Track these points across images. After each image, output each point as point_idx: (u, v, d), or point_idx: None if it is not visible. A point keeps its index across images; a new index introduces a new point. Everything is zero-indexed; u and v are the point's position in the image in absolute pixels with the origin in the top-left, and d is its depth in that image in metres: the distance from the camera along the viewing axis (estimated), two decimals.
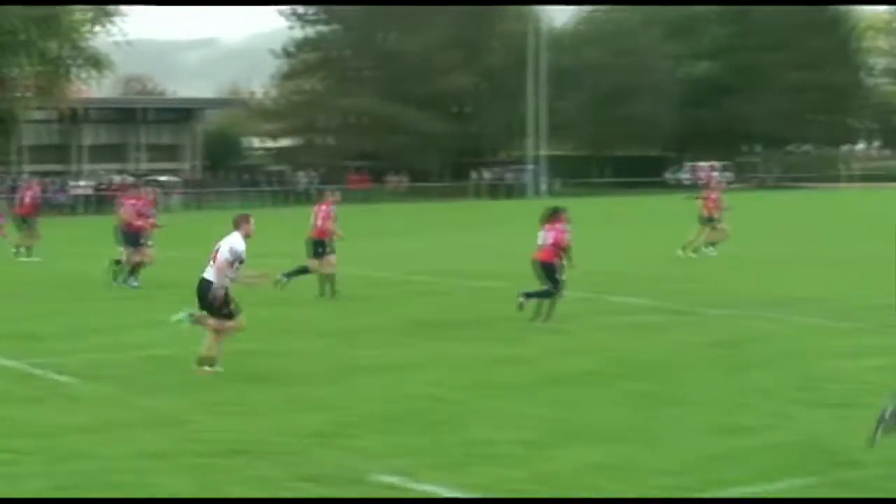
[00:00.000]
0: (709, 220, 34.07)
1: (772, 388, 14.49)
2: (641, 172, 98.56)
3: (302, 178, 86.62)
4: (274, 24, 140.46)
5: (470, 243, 39.00)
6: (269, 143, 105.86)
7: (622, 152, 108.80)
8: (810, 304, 22.81)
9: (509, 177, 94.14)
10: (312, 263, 24.99)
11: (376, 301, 24.05)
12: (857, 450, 11.35)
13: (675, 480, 10.45)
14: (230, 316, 16.04)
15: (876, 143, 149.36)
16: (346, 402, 13.91)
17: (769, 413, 13.13)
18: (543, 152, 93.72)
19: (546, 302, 20.55)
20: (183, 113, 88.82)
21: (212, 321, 16.01)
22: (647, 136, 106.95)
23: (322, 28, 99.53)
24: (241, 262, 16.08)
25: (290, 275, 24.87)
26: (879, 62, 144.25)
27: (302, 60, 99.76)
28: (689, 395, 14.21)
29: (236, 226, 16.48)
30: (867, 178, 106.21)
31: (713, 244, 33.79)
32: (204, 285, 15.99)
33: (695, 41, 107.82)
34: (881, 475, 10.55)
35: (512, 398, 14.08)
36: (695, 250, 33.46)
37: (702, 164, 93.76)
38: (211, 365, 15.87)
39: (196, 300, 16.08)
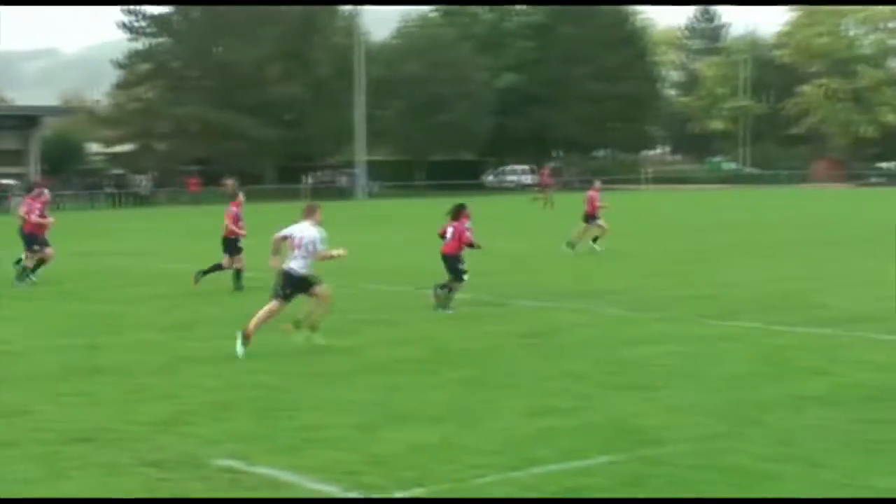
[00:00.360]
0: (592, 218, 34.50)
1: (580, 373, 14.68)
2: (458, 175, 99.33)
3: (140, 181, 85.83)
4: (113, 35, 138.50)
5: None
6: (109, 149, 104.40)
7: (439, 157, 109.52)
8: (614, 295, 23.20)
9: (341, 180, 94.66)
10: (225, 261, 25.39)
11: (210, 295, 23.82)
12: (660, 428, 11.61)
13: (492, 459, 10.50)
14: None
15: (667, 149, 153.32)
16: (185, 392, 13.74)
17: (578, 396, 13.29)
18: (365, 157, 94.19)
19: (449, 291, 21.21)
20: (24, 120, 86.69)
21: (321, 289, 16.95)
22: (462, 141, 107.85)
23: (155, 40, 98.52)
24: (323, 243, 16.81)
25: (205, 272, 25.19)
26: (672, 75, 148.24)
27: (136, 70, 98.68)
28: (504, 380, 14.31)
29: (308, 215, 17.09)
30: (660, 180, 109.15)
31: (595, 239, 34.08)
32: (295, 275, 16.65)
33: (504, 54, 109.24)
34: (685, 451, 10.73)
35: (342, 386, 14.04)
36: (570, 245, 33.71)
37: (550, 165, 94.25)
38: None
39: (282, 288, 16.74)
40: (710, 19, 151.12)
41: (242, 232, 25.44)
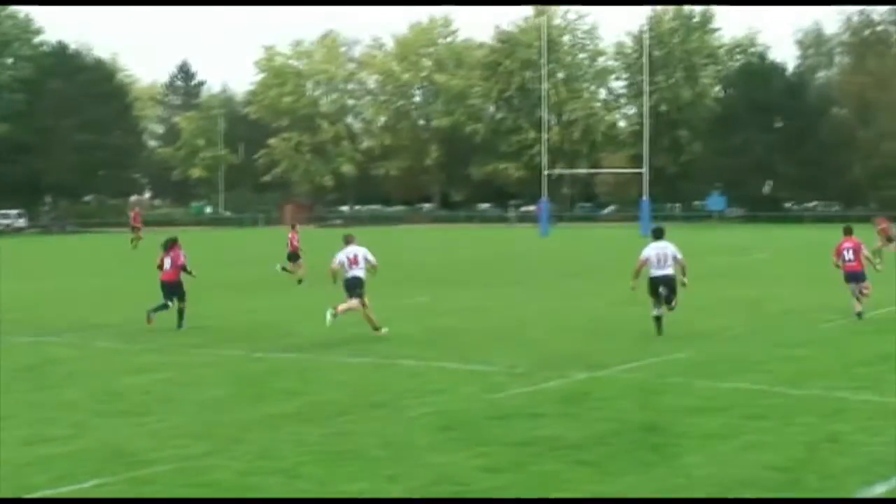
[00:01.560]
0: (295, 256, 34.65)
1: (74, 403, 14.12)
2: None
3: None
4: None
5: None
6: None
7: None
8: (106, 329, 22.58)
9: None
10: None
11: None
12: (149, 450, 11.34)
13: None
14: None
15: (149, 195, 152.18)
16: None
17: (72, 424, 12.76)
18: None
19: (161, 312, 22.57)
20: None
21: (354, 303, 20.78)
22: None
23: None
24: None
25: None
26: (155, 127, 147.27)
27: None
28: (0, 413, 13.50)
29: (350, 241, 21.38)
30: (146, 223, 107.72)
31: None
32: (357, 281, 20.91)
33: None
34: (172, 470, 10.53)
35: None
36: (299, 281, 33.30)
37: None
38: (378, 328, 20.73)
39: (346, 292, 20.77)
40: (188, 78, 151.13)
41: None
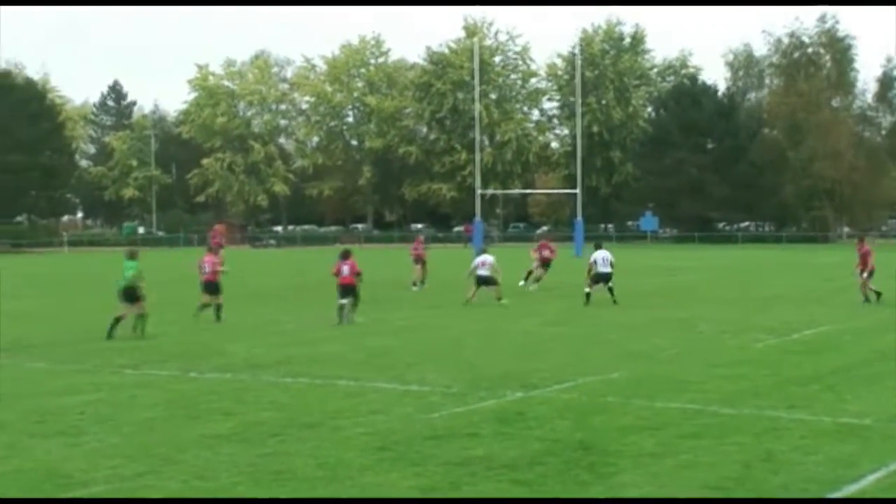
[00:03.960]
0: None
1: (6, 423, 13.92)
2: None
3: None
4: None
5: None
6: None
7: None
8: (38, 349, 22.30)
9: None
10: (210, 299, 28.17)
11: None
12: (85, 471, 11.22)
13: None
14: None
15: (81, 215, 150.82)
16: None
17: (5, 445, 12.58)
18: None
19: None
20: None
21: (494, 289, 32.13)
22: None
23: None
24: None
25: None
26: (87, 147, 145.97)
27: None
28: None
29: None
30: (77, 243, 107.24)
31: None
32: (487, 275, 32.29)
33: None
34: (108, 490, 10.46)
35: None
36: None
37: None
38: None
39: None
40: (120, 98, 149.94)
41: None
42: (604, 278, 32.02)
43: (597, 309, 30.47)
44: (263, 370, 18.75)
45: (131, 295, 24.65)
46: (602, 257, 32.29)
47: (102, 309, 32.13)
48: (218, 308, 28.09)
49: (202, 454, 12.03)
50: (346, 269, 27.64)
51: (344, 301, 27.31)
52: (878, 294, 31.47)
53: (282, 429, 13.44)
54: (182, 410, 14.88)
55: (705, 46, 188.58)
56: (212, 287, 28.51)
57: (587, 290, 31.76)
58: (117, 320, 24.26)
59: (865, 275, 32.00)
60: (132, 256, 25.08)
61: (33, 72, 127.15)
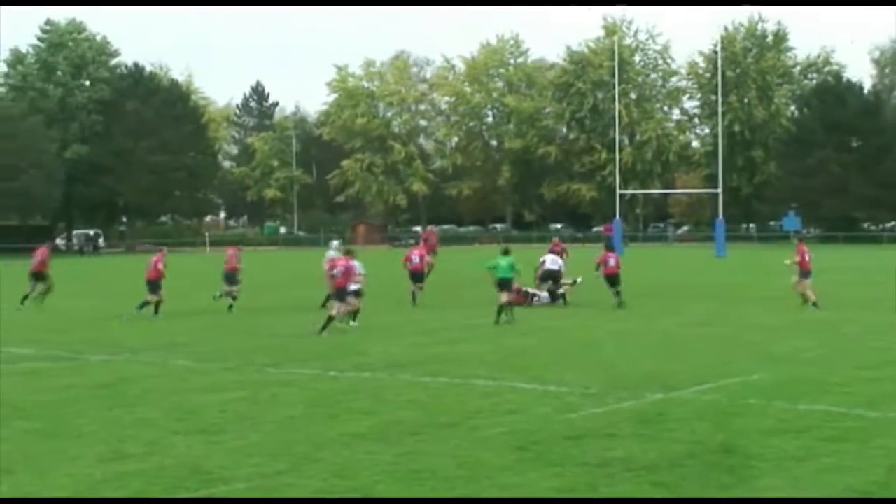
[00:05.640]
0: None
1: (150, 420, 14.23)
2: (30, 239, 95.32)
3: None
4: None
5: None
6: None
7: (7, 222, 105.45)
8: (182, 347, 22.78)
9: None
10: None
11: None
12: (225, 468, 11.39)
13: None
14: None
15: (223, 215, 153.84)
16: None
17: (148, 441, 12.86)
18: None
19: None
20: None
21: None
22: (31, 207, 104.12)
23: None
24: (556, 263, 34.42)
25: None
26: (230, 148, 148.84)
27: None
28: (76, 430, 13.65)
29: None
30: (220, 243, 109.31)
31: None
32: (557, 269, 33.99)
33: (72, 127, 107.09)
34: (249, 488, 10.58)
35: None
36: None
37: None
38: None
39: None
40: (262, 99, 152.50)
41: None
42: (552, 276, 33.85)
43: (737, 310, 30.00)
44: (401, 370, 18.87)
45: (505, 284, 27.89)
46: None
47: (246, 309, 32.74)
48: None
49: (342, 453, 12.12)
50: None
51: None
52: None
53: (420, 428, 13.48)
54: (322, 409, 15.03)
55: (848, 43, 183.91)
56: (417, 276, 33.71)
57: (533, 290, 33.79)
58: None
59: None
60: (506, 253, 28.82)
61: (178, 73, 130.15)
